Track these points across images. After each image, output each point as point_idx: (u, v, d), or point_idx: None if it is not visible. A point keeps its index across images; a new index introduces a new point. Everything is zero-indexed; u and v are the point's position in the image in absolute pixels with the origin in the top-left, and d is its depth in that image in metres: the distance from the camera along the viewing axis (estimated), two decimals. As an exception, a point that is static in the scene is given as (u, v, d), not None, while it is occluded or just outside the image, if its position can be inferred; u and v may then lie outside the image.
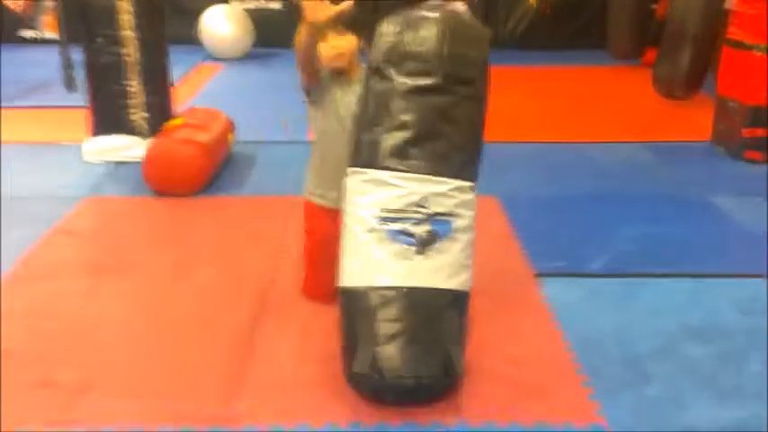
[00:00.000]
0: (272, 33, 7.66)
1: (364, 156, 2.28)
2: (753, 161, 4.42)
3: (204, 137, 4.07)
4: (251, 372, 2.39)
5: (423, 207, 2.20)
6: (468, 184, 2.29)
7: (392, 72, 2.24)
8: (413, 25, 2.23)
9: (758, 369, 2.41)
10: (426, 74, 2.22)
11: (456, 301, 2.26)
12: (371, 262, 2.22)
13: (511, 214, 3.62)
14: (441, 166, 2.23)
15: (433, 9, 2.33)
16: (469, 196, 2.30)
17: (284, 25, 7.91)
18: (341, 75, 2.55)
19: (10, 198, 3.83)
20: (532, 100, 6.02)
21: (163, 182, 3.88)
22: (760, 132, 4.41)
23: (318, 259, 2.71)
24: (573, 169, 4.38)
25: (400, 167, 2.21)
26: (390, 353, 2.13)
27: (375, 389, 2.17)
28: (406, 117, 2.22)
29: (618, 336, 2.60)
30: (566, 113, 5.66)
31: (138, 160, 3.99)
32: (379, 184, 2.23)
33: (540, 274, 3.03)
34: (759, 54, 4.35)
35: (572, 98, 6.13)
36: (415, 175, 2.21)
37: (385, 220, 2.20)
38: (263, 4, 8.08)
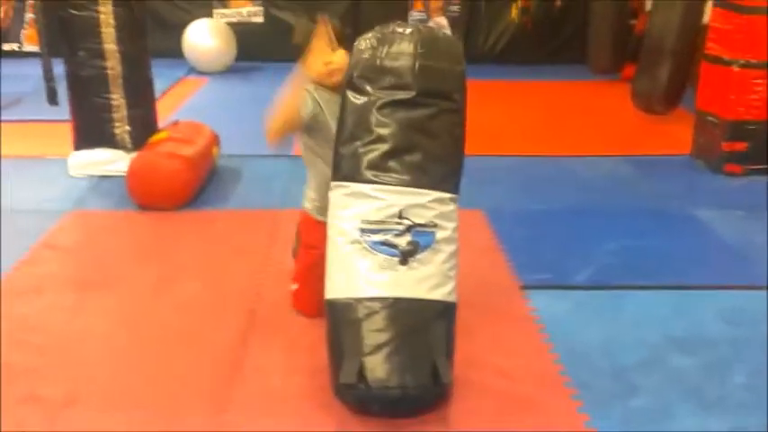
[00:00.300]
0: (253, 47, 7.70)
1: (344, 169, 2.31)
2: (732, 174, 4.48)
3: (188, 150, 4.05)
4: (238, 385, 2.38)
5: (403, 218, 2.23)
6: (448, 195, 2.32)
7: (368, 87, 2.27)
8: (388, 40, 2.27)
9: (742, 379, 2.44)
10: (402, 88, 2.25)
11: (443, 311, 2.27)
12: (355, 273, 2.24)
13: (496, 227, 3.64)
14: (420, 178, 2.25)
15: (410, 25, 2.37)
16: (450, 207, 2.33)
17: (266, 39, 7.98)
18: (331, 94, 2.53)
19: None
20: (515, 114, 6.08)
21: (147, 196, 3.86)
22: (739, 146, 4.48)
23: (318, 274, 2.65)
24: (555, 183, 4.42)
25: (379, 180, 2.25)
26: (376, 363, 2.14)
27: (361, 399, 2.18)
28: (383, 131, 2.25)
29: (604, 348, 2.62)
30: (547, 127, 5.72)
31: (122, 174, 3.97)
32: (359, 196, 2.26)
33: (525, 287, 3.05)
34: (737, 69, 4.42)
35: (553, 112, 6.19)
36: (395, 188, 2.24)
37: (366, 231, 2.23)
38: (245, 18, 8.09)
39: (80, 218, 3.83)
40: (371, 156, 2.26)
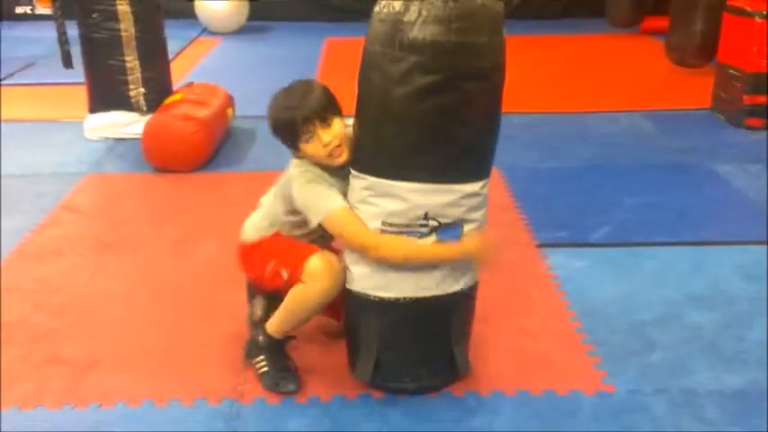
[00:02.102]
0: (265, 6, 7.67)
1: (365, 160, 2.01)
2: (753, 128, 4.41)
3: (203, 112, 4.04)
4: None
5: (429, 220, 1.98)
6: (479, 184, 2.02)
7: (391, 67, 1.88)
8: (415, 7, 1.84)
9: (760, 335, 2.43)
10: (431, 71, 1.85)
11: (464, 297, 2.14)
12: (373, 272, 2.07)
13: (512, 185, 3.62)
14: (449, 172, 1.96)
15: None
16: (480, 197, 2.04)
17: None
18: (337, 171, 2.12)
19: (13, 176, 3.84)
20: (531, 70, 5.98)
21: (162, 158, 3.87)
22: (761, 99, 4.39)
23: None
24: (573, 140, 4.37)
25: (403, 177, 1.94)
26: (390, 359, 2.11)
27: (378, 388, 2.19)
28: (408, 121, 1.91)
29: (621, 305, 2.61)
30: (565, 83, 5.64)
31: (138, 137, 3.98)
32: (381, 194, 1.98)
33: (542, 245, 3.04)
34: (760, 21, 4.32)
35: (571, 68, 6.10)
36: (420, 185, 1.94)
37: (387, 233, 1.99)
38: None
39: (97, 180, 3.85)
40: (395, 148, 1.95)
